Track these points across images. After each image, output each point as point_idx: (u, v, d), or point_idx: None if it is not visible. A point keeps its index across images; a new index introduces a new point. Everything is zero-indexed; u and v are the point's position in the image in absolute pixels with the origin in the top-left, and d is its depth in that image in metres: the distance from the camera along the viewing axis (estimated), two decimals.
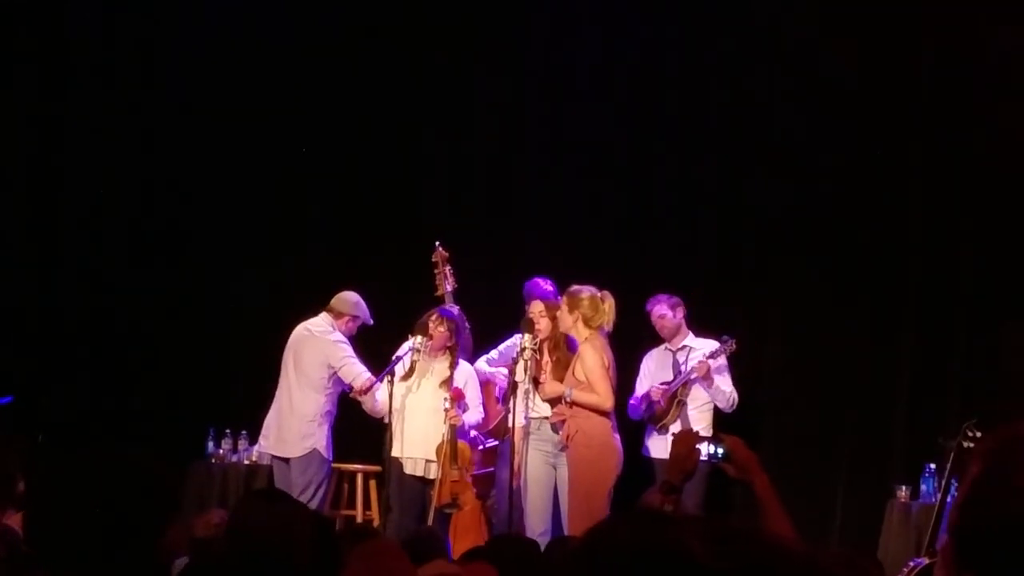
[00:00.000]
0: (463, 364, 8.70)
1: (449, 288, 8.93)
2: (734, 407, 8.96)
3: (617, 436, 8.28)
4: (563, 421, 8.22)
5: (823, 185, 9.97)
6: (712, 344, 9.00)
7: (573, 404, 8.17)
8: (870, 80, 9.89)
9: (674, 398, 8.95)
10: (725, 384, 8.95)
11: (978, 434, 7.91)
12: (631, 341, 9.09)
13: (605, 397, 8.17)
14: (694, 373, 8.89)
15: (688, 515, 1.93)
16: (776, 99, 10.16)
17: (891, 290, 9.83)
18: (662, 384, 9.01)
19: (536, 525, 8.26)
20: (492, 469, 8.76)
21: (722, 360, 8.95)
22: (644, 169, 10.53)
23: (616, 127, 10.52)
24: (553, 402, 8.31)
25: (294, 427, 8.87)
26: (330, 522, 4.16)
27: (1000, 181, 9.45)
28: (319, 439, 8.83)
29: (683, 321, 9.15)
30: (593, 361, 8.17)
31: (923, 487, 9.00)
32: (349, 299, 8.98)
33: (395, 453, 8.59)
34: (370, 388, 8.71)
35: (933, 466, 8.90)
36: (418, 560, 4.17)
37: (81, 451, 2.77)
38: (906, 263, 9.80)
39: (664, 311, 9.07)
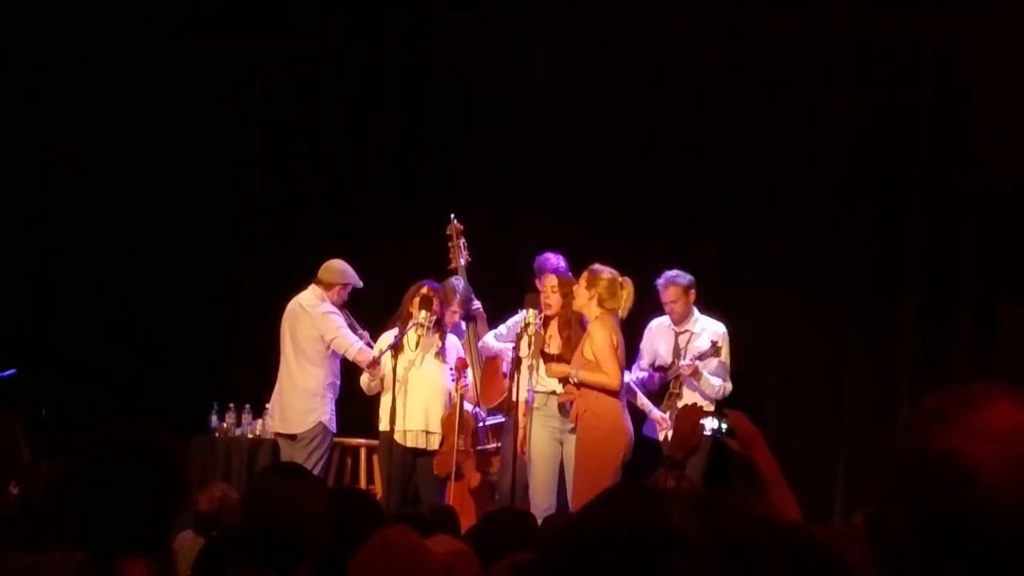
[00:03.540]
0: (451, 337, 8.68)
1: (463, 261, 8.86)
2: (722, 397, 8.77)
3: (628, 417, 8.20)
4: (571, 401, 8.16)
5: (828, 164, 9.95)
6: (716, 327, 8.90)
7: (580, 385, 8.11)
8: (875, 61, 9.87)
9: (666, 390, 8.89)
10: (715, 379, 8.78)
11: None
12: (636, 321, 9.06)
13: (613, 376, 8.06)
14: (681, 372, 8.77)
15: (676, 488, 1.91)
16: (782, 74, 10.14)
17: (895, 269, 9.83)
18: (658, 371, 8.90)
19: (541, 500, 8.20)
20: (498, 444, 8.72)
21: (714, 359, 8.78)
22: (650, 145, 10.50)
23: (622, 104, 10.47)
24: (564, 380, 8.24)
25: (297, 403, 8.87)
26: (345, 497, 4.13)
27: (1003, 164, 9.45)
28: (323, 412, 8.83)
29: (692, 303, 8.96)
30: (602, 339, 8.09)
31: None
32: (336, 267, 8.97)
33: (392, 426, 8.55)
34: (372, 363, 8.67)
35: None
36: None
37: (100, 428, 2.76)
38: (911, 243, 9.79)
39: (677, 297, 8.82)
